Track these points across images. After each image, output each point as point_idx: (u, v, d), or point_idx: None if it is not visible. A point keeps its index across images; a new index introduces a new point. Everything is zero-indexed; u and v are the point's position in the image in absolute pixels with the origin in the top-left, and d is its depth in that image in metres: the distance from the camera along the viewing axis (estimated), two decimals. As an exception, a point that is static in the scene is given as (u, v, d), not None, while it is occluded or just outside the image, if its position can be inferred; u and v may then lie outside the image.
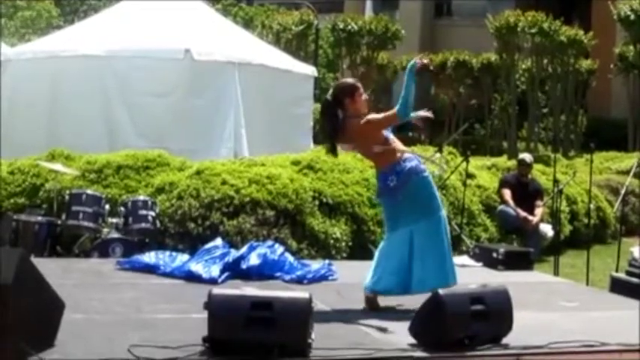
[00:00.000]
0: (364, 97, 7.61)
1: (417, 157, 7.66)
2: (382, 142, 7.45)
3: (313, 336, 5.68)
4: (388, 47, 34.77)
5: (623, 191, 12.17)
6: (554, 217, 12.58)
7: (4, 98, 14.05)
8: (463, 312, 6.01)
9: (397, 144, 7.54)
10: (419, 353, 5.87)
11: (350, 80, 7.92)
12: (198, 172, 11.15)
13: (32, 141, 13.53)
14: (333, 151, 7.78)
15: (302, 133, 16.35)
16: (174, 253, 9.22)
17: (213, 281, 8.15)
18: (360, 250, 11.05)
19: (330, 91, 7.73)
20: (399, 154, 7.45)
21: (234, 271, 8.56)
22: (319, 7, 36.62)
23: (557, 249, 11.80)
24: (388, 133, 7.52)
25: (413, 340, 6.08)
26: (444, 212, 7.59)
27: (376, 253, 7.62)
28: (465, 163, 12.27)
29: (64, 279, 7.72)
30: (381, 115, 7.57)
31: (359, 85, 7.67)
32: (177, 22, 15.44)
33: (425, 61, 7.68)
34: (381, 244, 7.65)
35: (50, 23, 36.90)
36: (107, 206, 10.54)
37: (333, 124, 7.57)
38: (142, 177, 11.53)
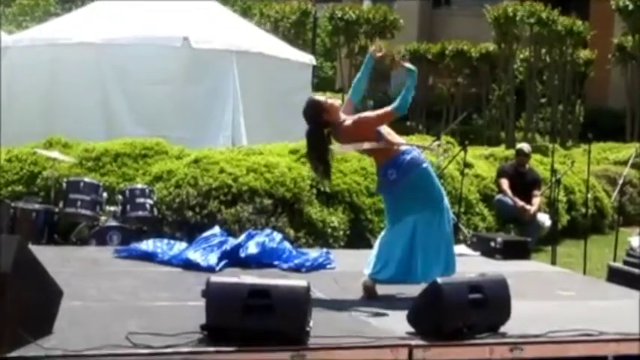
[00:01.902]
0: (333, 101, 7.59)
1: (415, 148, 7.64)
2: (375, 139, 7.42)
3: (311, 324, 5.68)
4: (386, 36, 34.68)
5: (620, 181, 12.15)
6: (551, 206, 12.58)
7: (3, 85, 14.02)
8: (461, 301, 6.01)
9: (393, 136, 7.52)
10: (417, 341, 5.87)
11: (312, 100, 7.83)
12: (196, 161, 11.15)
13: (30, 129, 13.51)
14: (327, 175, 7.75)
15: (300, 121, 16.24)
16: (172, 242, 9.20)
17: (211, 269, 8.15)
18: (357, 238, 11.07)
19: (306, 117, 7.68)
20: (396, 147, 7.44)
21: (232, 259, 8.56)
22: (317, -4, 36.56)
23: (554, 238, 11.82)
24: (381, 128, 7.49)
25: (411, 329, 6.08)
26: (446, 202, 7.58)
27: (377, 243, 7.61)
28: (462, 153, 12.26)
29: (61, 267, 7.71)
30: (374, 114, 7.55)
31: (320, 98, 7.69)
32: (175, 10, 15.42)
33: (378, 54, 7.70)
34: (383, 234, 7.63)
35: (48, 11, 36.82)
36: (105, 194, 10.54)
37: (325, 150, 7.56)
38: (140, 165, 11.53)
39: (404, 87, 7.36)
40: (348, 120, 7.45)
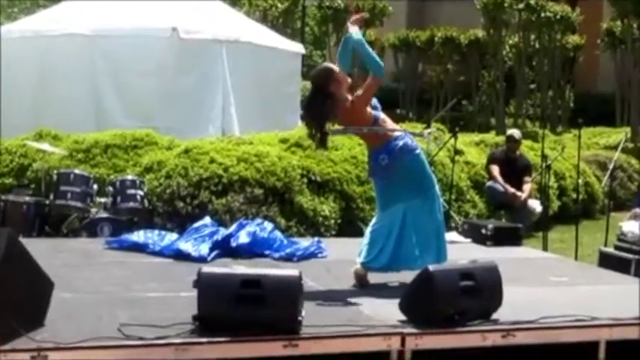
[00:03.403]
0: (342, 74, 7.49)
1: (408, 134, 7.63)
2: (370, 122, 7.41)
3: (303, 313, 5.67)
4: (375, 24, 34.66)
5: (611, 166, 12.16)
6: (542, 192, 12.60)
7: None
8: (453, 288, 6.01)
9: (388, 123, 7.51)
10: (409, 329, 5.87)
11: (327, 65, 7.77)
12: (187, 151, 11.14)
13: (20, 121, 13.50)
14: (323, 144, 7.60)
15: (290, 110, 16.31)
16: (163, 232, 9.19)
17: (202, 260, 8.14)
18: (348, 227, 11.08)
19: (311, 84, 7.57)
20: (389, 133, 7.43)
21: (224, 249, 8.55)
22: (306, -16, 36.51)
23: (545, 224, 11.85)
24: (378, 113, 7.49)
25: (403, 317, 6.08)
26: (437, 189, 7.58)
27: (368, 230, 7.60)
28: (453, 140, 12.27)
29: (52, 259, 7.69)
30: (361, 91, 7.43)
31: (334, 67, 7.53)
32: (163, 1, 15.38)
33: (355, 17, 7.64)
34: (373, 222, 7.62)
35: (36, 2, 36.69)
36: (95, 186, 10.53)
37: (323, 115, 7.44)
38: (130, 156, 11.52)
39: (362, 56, 7.36)
40: (347, 101, 7.41)
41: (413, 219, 7.36)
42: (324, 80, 7.39)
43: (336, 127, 7.70)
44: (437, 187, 7.60)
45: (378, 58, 7.42)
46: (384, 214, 7.48)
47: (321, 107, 7.37)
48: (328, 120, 7.46)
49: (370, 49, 7.48)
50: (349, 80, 7.50)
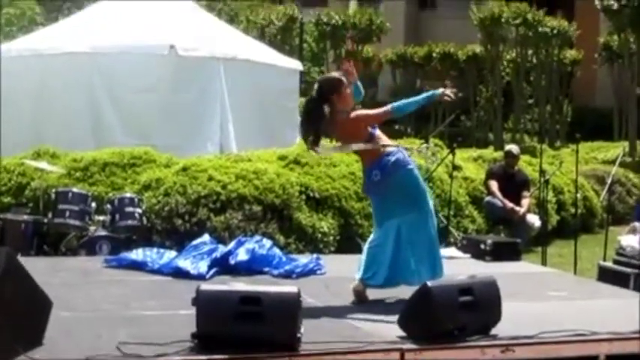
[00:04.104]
0: (349, 90, 7.59)
1: (402, 150, 7.64)
2: (366, 139, 7.44)
3: (302, 330, 5.68)
4: (373, 40, 34.72)
5: (609, 181, 12.16)
6: (541, 207, 12.60)
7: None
8: (452, 303, 6.01)
9: (383, 139, 7.54)
10: (408, 345, 5.87)
11: (335, 75, 7.86)
12: (185, 169, 11.14)
13: (19, 139, 13.49)
14: (315, 145, 7.64)
15: (289, 127, 16.32)
16: (161, 250, 9.19)
17: (201, 277, 8.14)
18: (347, 243, 11.07)
19: (315, 86, 7.68)
20: (382, 149, 7.45)
21: (223, 266, 8.55)
22: (303, 1, 36.51)
23: (544, 239, 11.85)
24: (373, 130, 7.53)
25: (402, 333, 6.08)
26: (431, 205, 7.60)
27: (365, 247, 7.62)
28: (451, 155, 12.27)
29: (51, 277, 7.69)
30: (372, 111, 7.63)
31: (344, 79, 7.63)
32: (161, 18, 15.42)
33: (446, 97, 7.78)
34: (371, 238, 7.64)
35: (34, 20, 36.74)
36: (94, 204, 10.53)
37: (318, 122, 7.51)
38: (129, 174, 11.52)
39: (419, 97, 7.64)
40: (348, 114, 7.45)
41: (407, 234, 7.38)
42: (328, 88, 7.52)
43: (333, 144, 7.76)
44: (431, 203, 7.62)
45: (411, 108, 7.72)
46: (380, 230, 7.51)
47: (316, 110, 7.51)
48: (318, 124, 7.51)
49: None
50: (349, 91, 7.59)
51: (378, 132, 7.55)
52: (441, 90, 7.79)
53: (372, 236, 7.67)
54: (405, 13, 42.14)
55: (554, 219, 14.29)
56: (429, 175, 11.73)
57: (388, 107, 7.60)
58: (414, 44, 36.62)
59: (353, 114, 7.49)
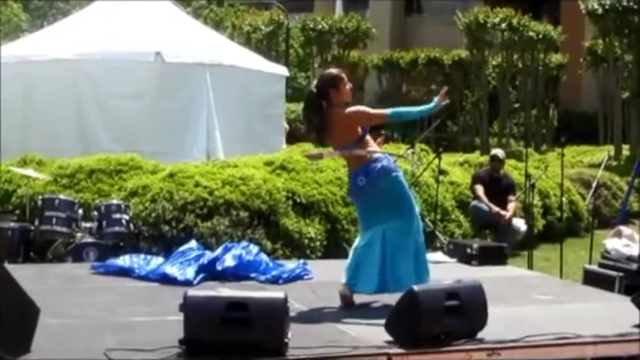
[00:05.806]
0: (348, 86, 7.65)
1: (387, 156, 7.67)
2: (357, 138, 7.47)
3: (290, 335, 5.69)
4: (359, 45, 34.82)
5: (594, 184, 12.19)
6: (527, 211, 12.63)
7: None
8: (438, 307, 6.03)
9: (371, 144, 7.56)
10: (395, 349, 5.89)
11: (334, 71, 7.85)
12: (172, 175, 11.14)
13: (5, 146, 13.45)
14: (322, 129, 7.66)
15: (275, 132, 16.37)
16: (148, 256, 9.20)
17: (188, 283, 8.15)
18: (334, 248, 11.08)
19: (315, 82, 7.76)
20: (369, 155, 7.47)
21: (210, 272, 8.56)
22: (289, 7, 36.58)
23: (530, 243, 11.87)
24: (365, 132, 7.56)
25: (389, 337, 6.10)
26: (416, 210, 7.62)
27: (351, 252, 7.63)
28: (437, 160, 12.30)
29: (38, 284, 7.68)
30: (371, 111, 7.72)
31: (343, 75, 7.68)
32: (147, 25, 15.43)
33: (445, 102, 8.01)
34: (356, 243, 7.65)
35: (19, 27, 36.71)
36: (80, 211, 10.51)
37: (319, 117, 7.56)
38: (115, 181, 11.51)
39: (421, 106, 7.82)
40: (343, 107, 7.49)
41: (393, 240, 7.39)
42: (327, 83, 7.59)
43: (319, 150, 7.81)
44: (417, 209, 7.65)
45: (408, 117, 8.03)
46: (366, 234, 7.52)
47: (318, 104, 7.55)
48: (317, 115, 7.55)
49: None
50: (349, 87, 7.67)
51: (367, 137, 7.58)
52: (436, 100, 7.86)
53: (357, 241, 7.69)
54: (391, 18, 42.24)
55: (540, 223, 14.34)
56: (416, 179, 11.76)
57: (388, 111, 7.66)
58: (399, 49, 36.74)
59: (351, 108, 7.52)
